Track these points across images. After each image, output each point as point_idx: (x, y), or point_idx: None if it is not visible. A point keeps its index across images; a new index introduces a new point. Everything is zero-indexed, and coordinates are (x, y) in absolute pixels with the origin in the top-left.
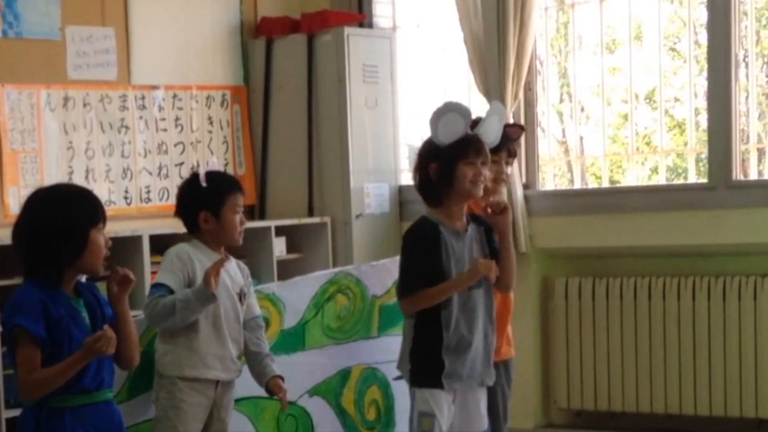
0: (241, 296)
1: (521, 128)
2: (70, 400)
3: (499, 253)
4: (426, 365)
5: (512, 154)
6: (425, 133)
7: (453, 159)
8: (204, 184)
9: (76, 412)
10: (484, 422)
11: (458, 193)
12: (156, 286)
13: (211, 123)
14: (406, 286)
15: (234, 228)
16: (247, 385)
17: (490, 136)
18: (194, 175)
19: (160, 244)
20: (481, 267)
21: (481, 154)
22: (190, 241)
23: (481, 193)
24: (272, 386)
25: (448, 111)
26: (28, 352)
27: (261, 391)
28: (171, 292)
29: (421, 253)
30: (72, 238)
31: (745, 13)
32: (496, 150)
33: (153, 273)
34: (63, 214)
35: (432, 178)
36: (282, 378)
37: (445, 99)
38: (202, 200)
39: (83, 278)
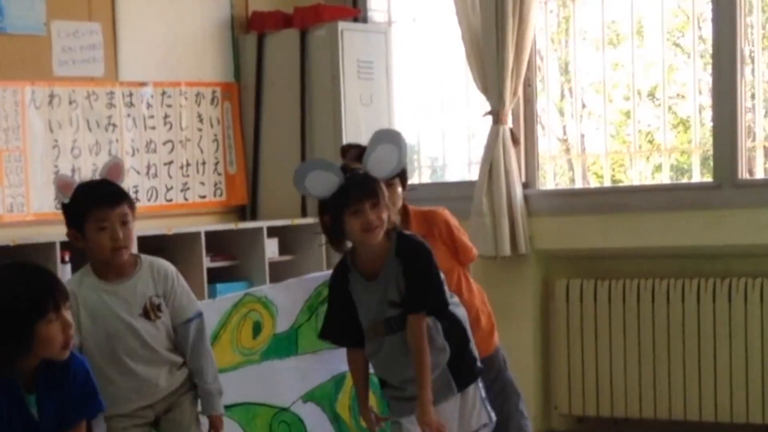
0: (153, 310)
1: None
2: None
3: None
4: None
5: (403, 181)
6: (421, 131)
7: (338, 211)
8: (63, 200)
9: None
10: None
11: (354, 242)
12: None
13: (201, 121)
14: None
15: (101, 248)
16: (238, 391)
17: (384, 168)
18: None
19: (150, 246)
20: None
21: (366, 197)
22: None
23: (377, 237)
24: (211, 423)
25: (310, 170)
26: None
27: (252, 397)
28: None
29: (333, 297)
30: (13, 333)
31: (752, 7)
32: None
33: None
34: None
35: (329, 231)
36: (220, 417)
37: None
38: (66, 217)
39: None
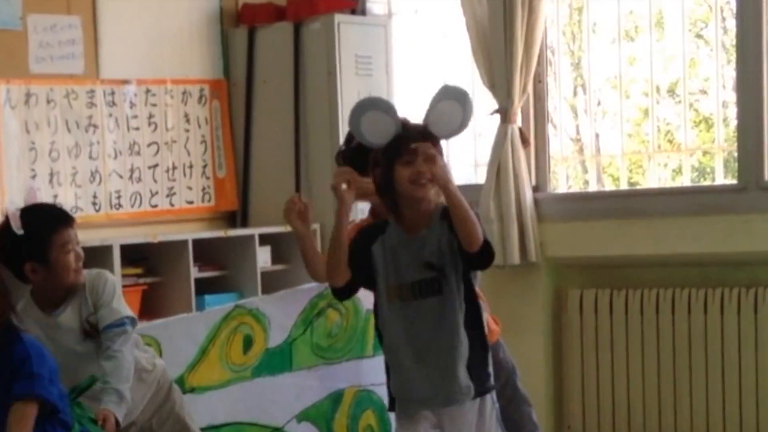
0: (93, 328)
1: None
2: None
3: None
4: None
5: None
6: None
7: (390, 161)
8: (19, 231)
9: None
10: None
11: (404, 196)
12: None
13: (187, 121)
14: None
15: (68, 270)
16: (227, 410)
17: (444, 127)
18: (6, 220)
19: (133, 254)
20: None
21: (418, 151)
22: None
23: (428, 192)
24: (99, 415)
25: (368, 110)
26: None
27: (243, 417)
28: None
29: (357, 243)
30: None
31: None
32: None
33: (125, 287)
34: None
35: (380, 184)
36: (114, 414)
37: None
38: (23, 249)
39: None
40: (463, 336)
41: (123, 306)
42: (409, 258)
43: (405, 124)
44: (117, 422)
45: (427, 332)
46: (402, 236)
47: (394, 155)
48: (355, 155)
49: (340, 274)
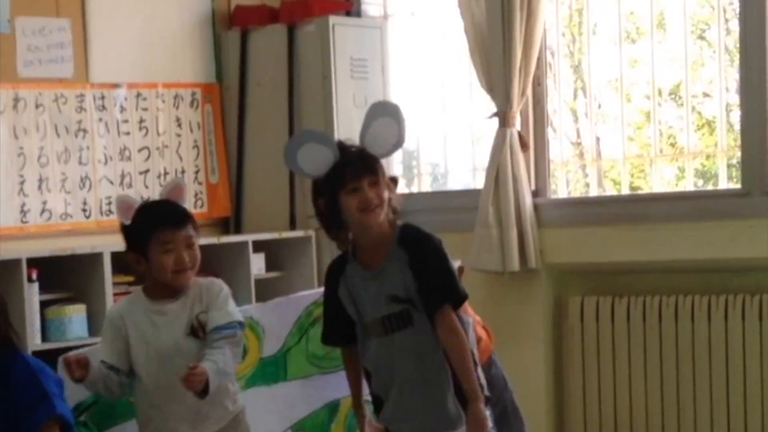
0: (200, 328)
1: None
2: None
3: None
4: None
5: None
6: (420, 135)
7: (333, 190)
8: (126, 221)
9: None
10: None
11: (354, 224)
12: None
13: (179, 125)
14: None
15: (165, 270)
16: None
17: (382, 144)
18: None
19: (124, 262)
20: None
21: (364, 174)
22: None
23: (378, 217)
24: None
25: (303, 142)
26: None
27: None
28: (109, 365)
29: (325, 299)
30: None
31: None
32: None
33: (115, 295)
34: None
35: (324, 215)
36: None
37: (300, 130)
38: (127, 239)
39: None
40: (446, 364)
41: (236, 312)
42: (374, 293)
43: (342, 149)
44: (206, 385)
45: (409, 365)
46: (361, 272)
47: (336, 184)
48: None
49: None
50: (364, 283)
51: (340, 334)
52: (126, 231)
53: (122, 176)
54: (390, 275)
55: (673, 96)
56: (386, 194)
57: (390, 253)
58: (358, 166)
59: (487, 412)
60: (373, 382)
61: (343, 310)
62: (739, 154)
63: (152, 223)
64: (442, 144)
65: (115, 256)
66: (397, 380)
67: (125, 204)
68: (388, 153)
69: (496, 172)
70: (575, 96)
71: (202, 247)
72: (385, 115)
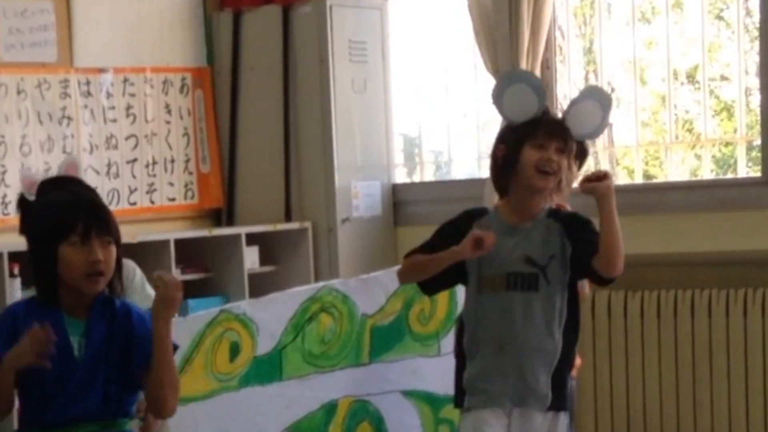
0: None
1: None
2: None
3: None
4: (458, 380)
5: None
6: (422, 122)
7: (520, 138)
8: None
9: None
10: None
11: (522, 182)
12: None
13: (168, 112)
14: (409, 252)
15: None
16: (213, 423)
17: (582, 126)
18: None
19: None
20: (468, 241)
21: (555, 138)
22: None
23: (549, 184)
24: None
25: (514, 81)
26: None
27: (229, 429)
28: None
29: (446, 229)
30: (38, 254)
31: None
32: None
33: None
34: (32, 227)
35: (498, 162)
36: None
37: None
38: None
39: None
40: (557, 341)
41: (150, 294)
42: (510, 248)
43: (547, 108)
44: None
45: (515, 327)
46: (504, 225)
47: (526, 134)
48: None
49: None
50: (504, 236)
51: (441, 279)
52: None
53: (108, 166)
54: (533, 237)
55: (689, 79)
56: (565, 168)
57: (539, 218)
58: (554, 127)
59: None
60: (466, 336)
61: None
62: (759, 140)
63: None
64: (445, 131)
65: None
66: (496, 338)
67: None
68: (582, 137)
69: None
70: (586, 79)
71: (194, 240)
72: (596, 100)
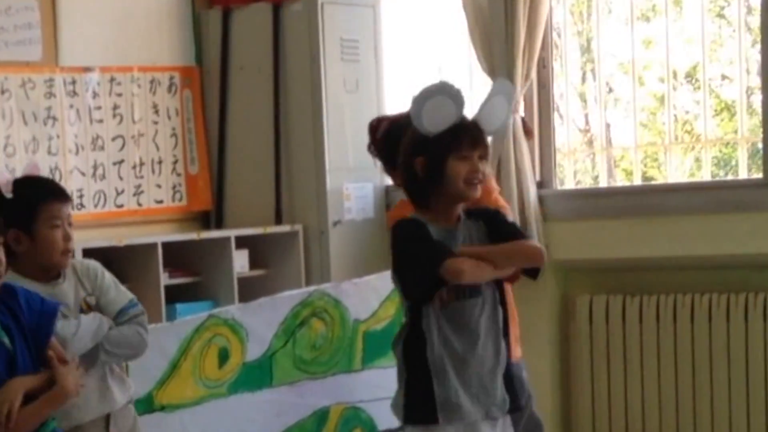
0: (88, 310)
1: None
2: None
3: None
4: (419, 394)
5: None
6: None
7: (442, 152)
8: (9, 195)
9: None
10: None
11: (449, 194)
12: None
13: (156, 112)
14: (415, 291)
15: (52, 246)
16: (201, 430)
17: (493, 122)
18: None
19: (96, 259)
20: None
21: (478, 146)
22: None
23: (477, 194)
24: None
25: (435, 94)
26: None
27: None
28: None
29: (421, 234)
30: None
31: None
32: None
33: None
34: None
35: (418, 174)
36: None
37: (435, 79)
38: (8, 215)
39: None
40: (502, 345)
41: (124, 290)
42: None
43: (463, 116)
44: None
45: (471, 337)
46: (443, 231)
47: (449, 147)
48: (387, 146)
49: None
50: (451, 241)
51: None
52: (5, 206)
53: (95, 167)
54: (461, 241)
55: (689, 79)
56: (487, 174)
57: (461, 221)
58: (476, 136)
59: None
60: (428, 352)
61: None
62: (760, 141)
63: (40, 196)
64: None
65: (87, 253)
66: (455, 352)
67: (2, 178)
68: (493, 133)
69: (498, 161)
70: (584, 79)
71: (182, 243)
72: (501, 94)
